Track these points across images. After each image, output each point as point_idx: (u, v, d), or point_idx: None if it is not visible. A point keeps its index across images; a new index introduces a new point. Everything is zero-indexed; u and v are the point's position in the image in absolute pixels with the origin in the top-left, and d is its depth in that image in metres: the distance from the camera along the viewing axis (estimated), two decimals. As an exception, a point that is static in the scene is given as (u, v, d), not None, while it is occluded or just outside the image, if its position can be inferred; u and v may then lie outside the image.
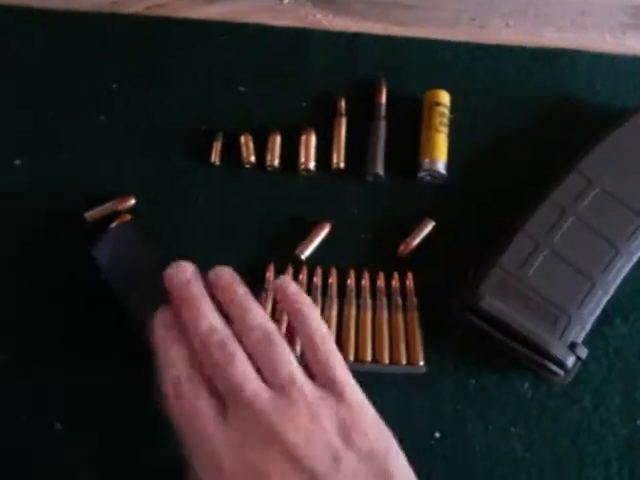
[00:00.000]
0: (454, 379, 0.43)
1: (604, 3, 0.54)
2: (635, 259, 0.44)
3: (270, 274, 0.45)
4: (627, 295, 0.45)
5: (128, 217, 0.46)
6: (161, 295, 0.43)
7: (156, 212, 0.47)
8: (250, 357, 0.36)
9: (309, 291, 0.45)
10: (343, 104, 0.50)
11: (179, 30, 0.52)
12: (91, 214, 0.46)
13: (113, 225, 0.45)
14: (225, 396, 0.35)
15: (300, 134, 0.49)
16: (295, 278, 0.45)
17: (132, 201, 0.47)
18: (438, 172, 0.47)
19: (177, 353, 0.37)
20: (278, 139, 0.49)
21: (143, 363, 0.42)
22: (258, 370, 0.36)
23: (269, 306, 0.44)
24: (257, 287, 0.44)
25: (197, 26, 0.52)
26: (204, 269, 0.46)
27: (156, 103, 0.50)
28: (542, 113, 0.51)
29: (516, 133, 0.50)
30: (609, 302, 0.43)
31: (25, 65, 0.51)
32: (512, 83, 0.52)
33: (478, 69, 0.52)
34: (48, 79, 0.51)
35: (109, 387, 0.43)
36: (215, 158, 0.48)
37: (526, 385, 0.43)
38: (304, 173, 0.49)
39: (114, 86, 0.50)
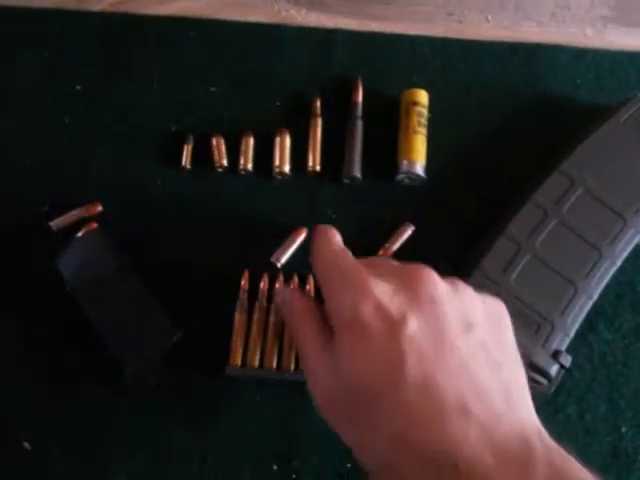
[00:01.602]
0: (435, 389, 0.42)
1: (585, -4, 0.53)
2: (619, 263, 0.43)
3: (245, 282, 0.44)
4: (611, 300, 0.44)
5: (95, 225, 0.44)
6: (127, 308, 0.42)
7: (124, 218, 0.45)
8: None
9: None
10: (318, 104, 0.48)
11: (146, 27, 0.50)
12: (57, 222, 0.44)
13: (79, 234, 0.43)
14: None
15: (274, 136, 0.47)
16: (271, 285, 0.44)
17: (99, 208, 0.45)
18: (416, 174, 0.46)
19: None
20: (251, 141, 0.47)
21: (112, 379, 0.41)
22: None
23: (244, 317, 0.43)
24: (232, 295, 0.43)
25: (165, 23, 0.50)
26: (175, 276, 0.44)
27: (123, 104, 0.48)
28: (523, 110, 0.50)
29: (496, 131, 0.49)
30: (593, 307, 0.42)
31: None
32: (491, 79, 0.50)
33: (457, 65, 0.50)
34: (8, 79, 0.48)
35: (78, 405, 0.41)
36: (186, 162, 0.46)
37: (509, 393, 0.42)
38: (279, 176, 0.47)
39: (78, 87, 0.48)
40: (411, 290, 0.32)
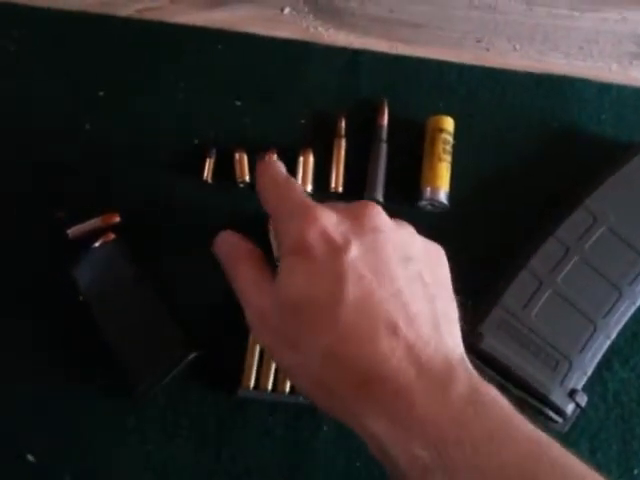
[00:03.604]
0: (449, 420, 0.42)
1: (613, 31, 0.52)
2: (638, 303, 0.43)
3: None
4: (627, 339, 0.44)
5: (112, 236, 0.43)
6: (141, 322, 0.41)
7: (142, 230, 0.45)
8: None
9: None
10: (343, 124, 0.47)
11: (173, 36, 0.49)
12: (73, 231, 0.44)
13: (96, 244, 0.43)
14: None
15: (298, 154, 0.47)
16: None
17: (117, 218, 0.44)
18: (439, 202, 0.46)
19: None
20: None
21: (121, 391, 0.40)
22: None
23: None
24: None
25: (192, 33, 0.49)
26: (191, 291, 0.44)
27: (145, 113, 0.47)
28: (547, 141, 0.49)
29: (519, 162, 0.49)
30: (609, 345, 0.42)
31: (1, 66, 0.48)
32: (516, 109, 0.50)
33: (482, 93, 0.50)
34: (28, 82, 0.47)
35: (84, 419, 0.41)
36: (207, 175, 0.46)
37: (522, 428, 0.42)
38: (300, 196, 0.46)
39: (101, 93, 0.48)
40: (356, 220, 0.34)
